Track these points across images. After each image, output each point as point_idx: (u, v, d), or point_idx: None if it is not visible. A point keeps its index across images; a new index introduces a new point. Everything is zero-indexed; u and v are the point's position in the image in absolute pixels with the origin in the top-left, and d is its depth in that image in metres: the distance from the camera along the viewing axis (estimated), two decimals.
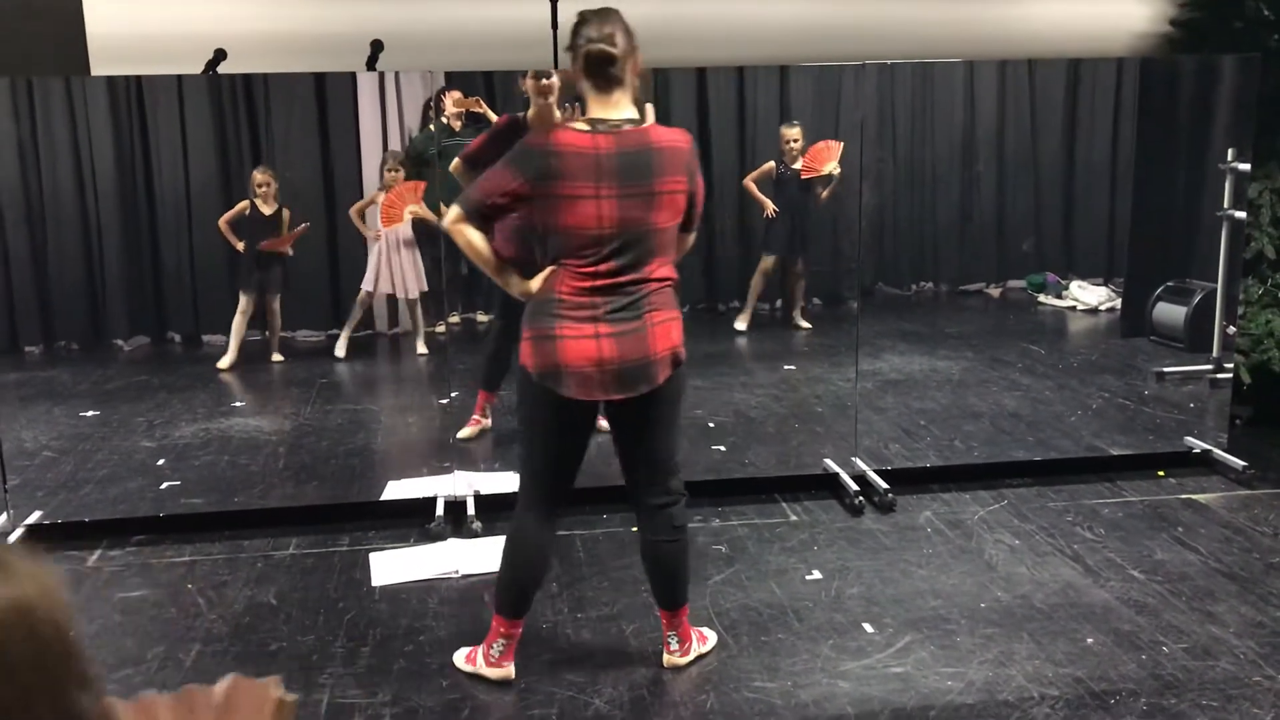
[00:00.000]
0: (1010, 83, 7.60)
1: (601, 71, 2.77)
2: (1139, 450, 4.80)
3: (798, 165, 6.51)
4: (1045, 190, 7.77)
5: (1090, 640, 3.28)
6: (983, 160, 7.68)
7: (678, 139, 2.85)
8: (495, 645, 3.07)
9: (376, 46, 5.03)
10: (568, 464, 2.99)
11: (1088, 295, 7.27)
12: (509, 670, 3.08)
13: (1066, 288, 7.41)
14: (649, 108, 2.99)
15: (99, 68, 4.12)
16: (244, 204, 6.20)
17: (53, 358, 6.71)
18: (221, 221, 6.23)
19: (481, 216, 2.82)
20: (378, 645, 3.32)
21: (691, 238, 3.04)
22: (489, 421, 5.04)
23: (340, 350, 6.40)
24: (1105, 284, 7.41)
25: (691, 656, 3.16)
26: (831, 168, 6.49)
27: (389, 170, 6.11)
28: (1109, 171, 7.63)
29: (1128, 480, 4.56)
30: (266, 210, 6.14)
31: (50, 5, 3.95)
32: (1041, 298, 7.47)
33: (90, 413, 5.55)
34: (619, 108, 2.81)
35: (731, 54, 6.21)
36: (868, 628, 3.37)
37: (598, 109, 2.81)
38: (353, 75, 6.37)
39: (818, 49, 5.83)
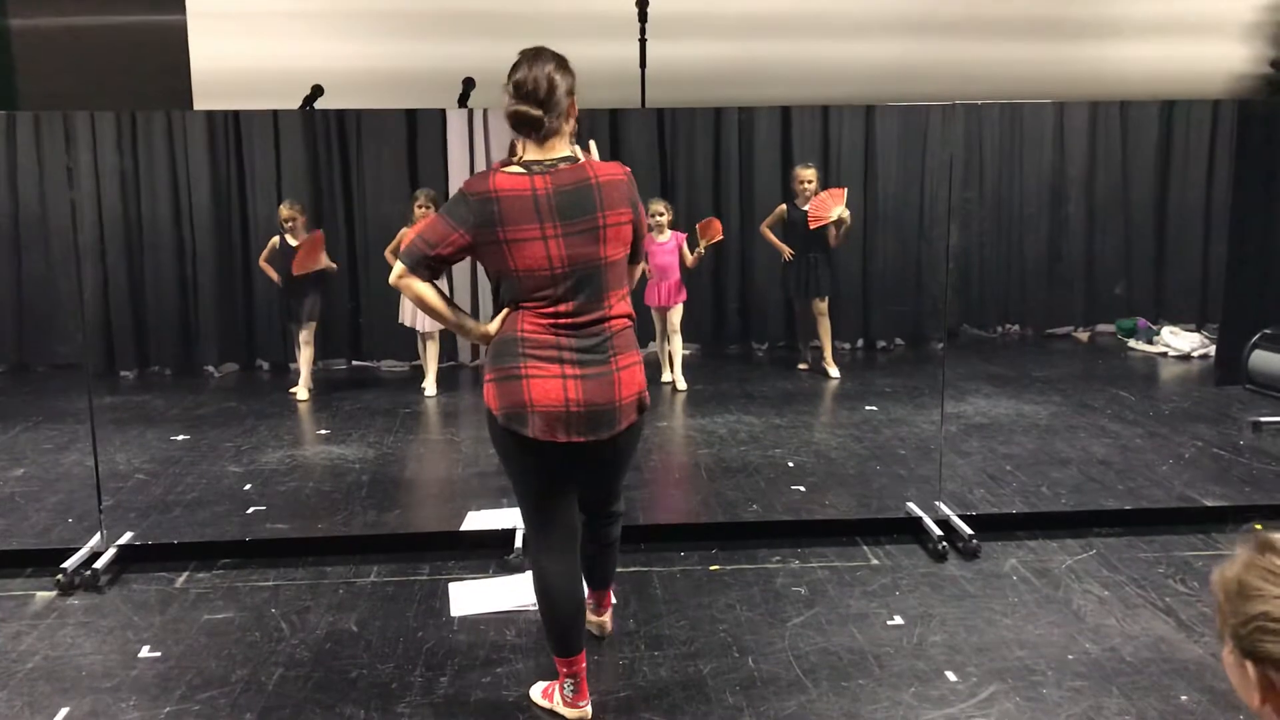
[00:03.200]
0: (1101, 124, 7.50)
1: (529, 131, 2.77)
2: (1234, 502, 4.64)
3: (808, 206, 6.50)
4: (1136, 233, 7.64)
5: (1184, 698, 3.17)
6: (1072, 202, 7.57)
7: (615, 172, 2.85)
8: (566, 685, 3.06)
9: (468, 84, 5.12)
10: (560, 496, 2.96)
11: (1180, 341, 7.10)
12: (586, 710, 3.06)
13: (1158, 333, 7.25)
14: (592, 145, 2.99)
15: (201, 102, 4.24)
16: (274, 240, 6.36)
17: (146, 383, 6.91)
18: (261, 261, 6.41)
19: (427, 268, 2.81)
20: (455, 676, 3.33)
21: (640, 269, 3.08)
22: None
23: (430, 389, 6.50)
24: (1198, 330, 7.24)
25: (605, 619, 3.50)
26: (839, 213, 6.46)
27: (419, 206, 6.21)
28: (1203, 215, 7.48)
29: (1222, 532, 4.41)
30: (294, 242, 6.28)
31: (157, 40, 4.09)
32: (1131, 343, 7.32)
33: (181, 437, 5.70)
34: (555, 150, 2.80)
35: (816, 93, 6.22)
36: (951, 676, 3.30)
37: (533, 152, 2.81)
38: (442, 112, 6.50)
39: (904, 89, 5.81)
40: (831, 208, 6.46)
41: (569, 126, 2.83)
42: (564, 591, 2.98)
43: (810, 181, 6.54)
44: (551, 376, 2.78)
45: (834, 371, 6.75)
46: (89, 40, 4.00)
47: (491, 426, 2.92)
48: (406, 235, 6.24)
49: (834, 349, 6.89)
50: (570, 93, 2.80)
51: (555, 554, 2.97)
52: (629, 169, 2.91)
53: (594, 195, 2.78)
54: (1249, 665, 1.26)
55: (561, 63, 2.80)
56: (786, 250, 6.65)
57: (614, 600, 3.60)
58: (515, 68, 2.79)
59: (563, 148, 2.82)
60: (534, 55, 2.80)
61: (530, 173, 2.77)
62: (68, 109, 4.31)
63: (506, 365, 2.81)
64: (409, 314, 6.41)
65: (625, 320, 2.89)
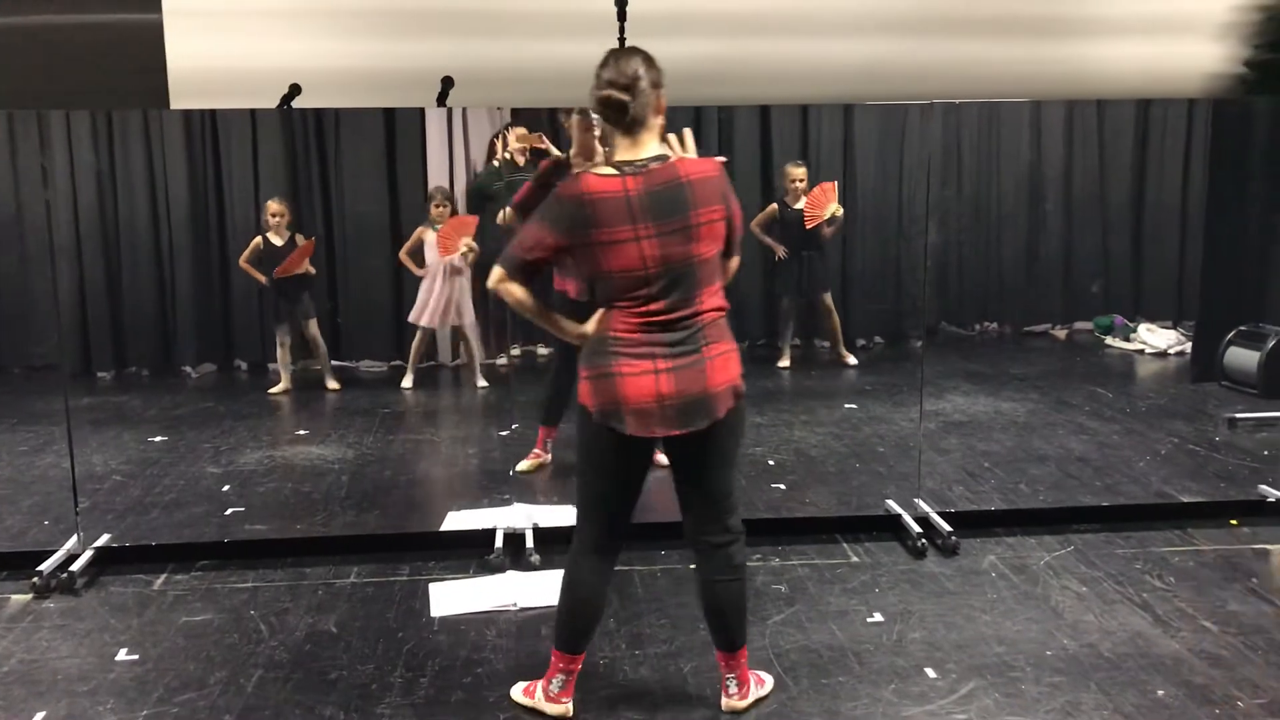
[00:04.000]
0: (1078, 123, 7.53)
1: (617, 117, 2.79)
2: (1211, 498, 4.68)
3: (799, 205, 6.51)
4: (1113, 231, 7.67)
5: (1161, 692, 3.19)
6: (1050, 200, 7.61)
7: (707, 169, 2.85)
8: (555, 680, 3.06)
9: (447, 83, 5.12)
10: (624, 502, 2.98)
11: (1156, 338, 7.14)
12: (567, 707, 3.06)
13: (1134, 330, 7.29)
14: (687, 134, 2.99)
15: (178, 101, 4.22)
16: (257, 240, 6.31)
17: (123, 383, 6.85)
18: (241, 261, 6.35)
19: (524, 273, 2.84)
20: (436, 676, 3.33)
21: (735, 262, 3.03)
22: (549, 456, 5.08)
23: (407, 382, 6.48)
24: (1174, 327, 7.28)
25: (750, 700, 3.12)
26: (833, 209, 6.48)
27: (436, 206, 6.20)
28: (1179, 213, 7.52)
29: (1199, 528, 4.45)
30: (278, 241, 6.24)
31: (133, 39, 4.07)
32: (1109, 340, 7.36)
33: (158, 438, 5.66)
34: (645, 147, 2.82)
35: (795, 92, 6.23)
36: (930, 673, 3.31)
37: (624, 150, 2.83)
38: (421, 111, 6.47)
39: (882, 88, 5.84)
40: (826, 204, 6.47)
41: (658, 121, 2.85)
42: (590, 590, 3.00)
43: (801, 180, 6.55)
44: (643, 373, 2.80)
45: (852, 360, 6.75)
46: (64, 39, 3.97)
47: (583, 423, 2.93)
48: (426, 234, 6.23)
49: (815, 347, 6.90)
50: (656, 85, 2.82)
51: (595, 555, 2.99)
52: (722, 161, 2.91)
53: (686, 194, 2.78)
54: None
55: (648, 58, 2.84)
56: (780, 249, 6.67)
57: (753, 679, 3.14)
58: (601, 65, 2.82)
59: (652, 144, 2.83)
60: (622, 50, 2.85)
61: (622, 174, 2.78)
62: (43, 108, 4.28)
63: (600, 364, 2.84)
64: (428, 314, 6.33)
65: (717, 312, 2.89)
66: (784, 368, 6.98)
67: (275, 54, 4.22)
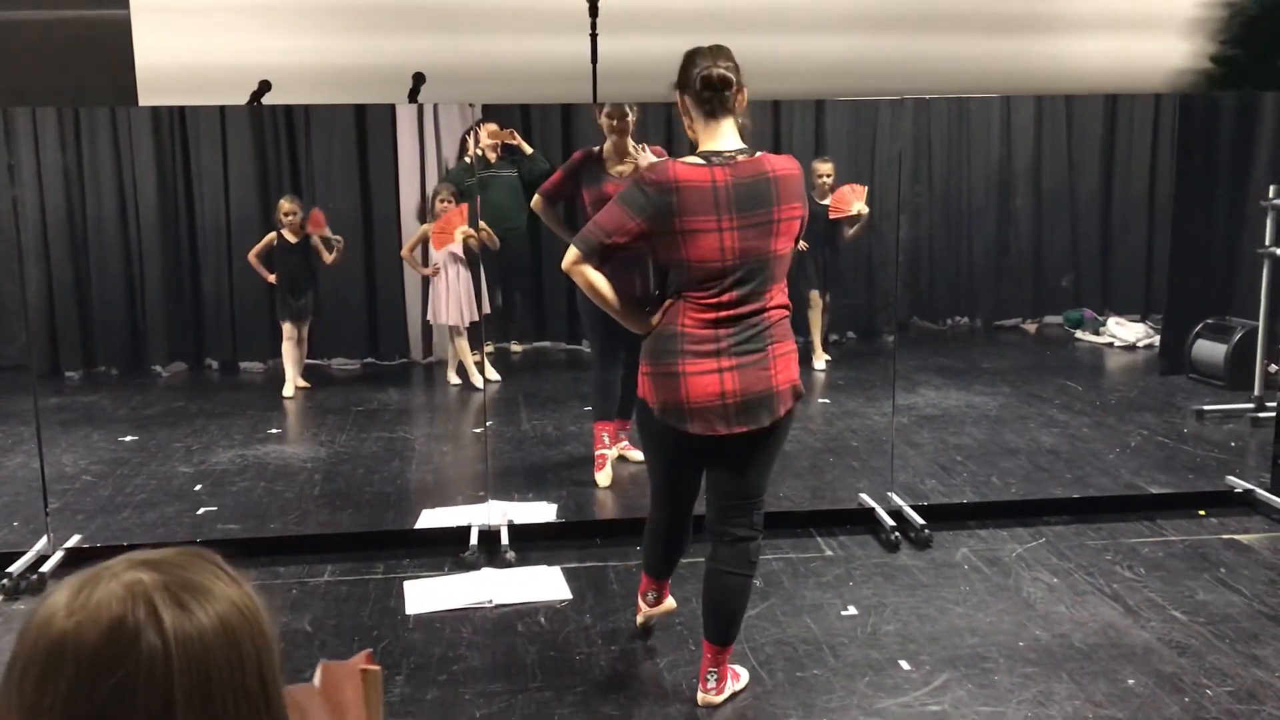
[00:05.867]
0: (1047, 118, 7.60)
1: (718, 96, 2.80)
2: (1179, 489, 4.73)
3: (826, 201, 6.52)
4: (1082, 226, 7.74)
5: (1131, 681, 3.23)
6: (1020, 195, 7.66)
7: (791, 167, 2.88)
8: (649, 595, 3.39)
9: (418, 79, 5.09)
10: (688, 491, 3.10)
11: (1125, 332, 7.21)
12: (670, 601, 3.43)
13: (1104, 324, 7.36)
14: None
15: (146, 98, 4.18)
16: (271, 236, 6.27)
17: (93, 383, 6.79)
18: (251, 256, 6.30)
19: (600, 256, 2.83)
20: (412, 674, 3.32)
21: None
22: (613, 452, 4.81)
23: (453, 378, 6.39)
24: (1143, 320, 7.36)
25: (726, 694, 3.13)
26: (859, 207, 6.50)
27: (441, 201, 6.16)
28: (1147, 207, 7.59)
29: (1168, 519, 4.49)
30: (293, 239, 6.21)
31: (99, 35, 4.02)
32: (1078, 334, 7.43)
33: (129, 438, 5.61)
34: (728, 138, 2.84)
35: (767, 87, 6.22)
36: (904, 665, 3.34)
37: (707, 140, 2.84)
38: (392, 107, 6.45)
39: (854, 83, 5.84)
40: (852, 201, 6.48)
41: (742, 116, 2.88)
42: (677, 533, 3.18)
43: (829, 175, 6.54)
44: (708, 372, 2.81)
45: (825, 359, 6.69)
46: (29, 35, 3.93)
47: (644, 418, 2.96)
48: (428, 230, 6.20)
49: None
50: (743, 86, 2.86)
51: (676, 510, 3.15)
52: (799, 163, 2.94)
53: (772, 189, 2.81)
54: None
55: (734, 58, 2.88)
56: (801, 242, 6.66)
57: (729, 673, 3.13)
58: (695, 55, 2.85)
59: (734, 137, 2.85)
60: (715, 47, 2.88)
61: (710, 164, 2.79)
62: (8, 105, 4.23)
63: (665, 362, 2.85)
64: (447, 311, 6.28)
65: (783, 311, 2.92)
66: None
67: (245, 50, 4.19)
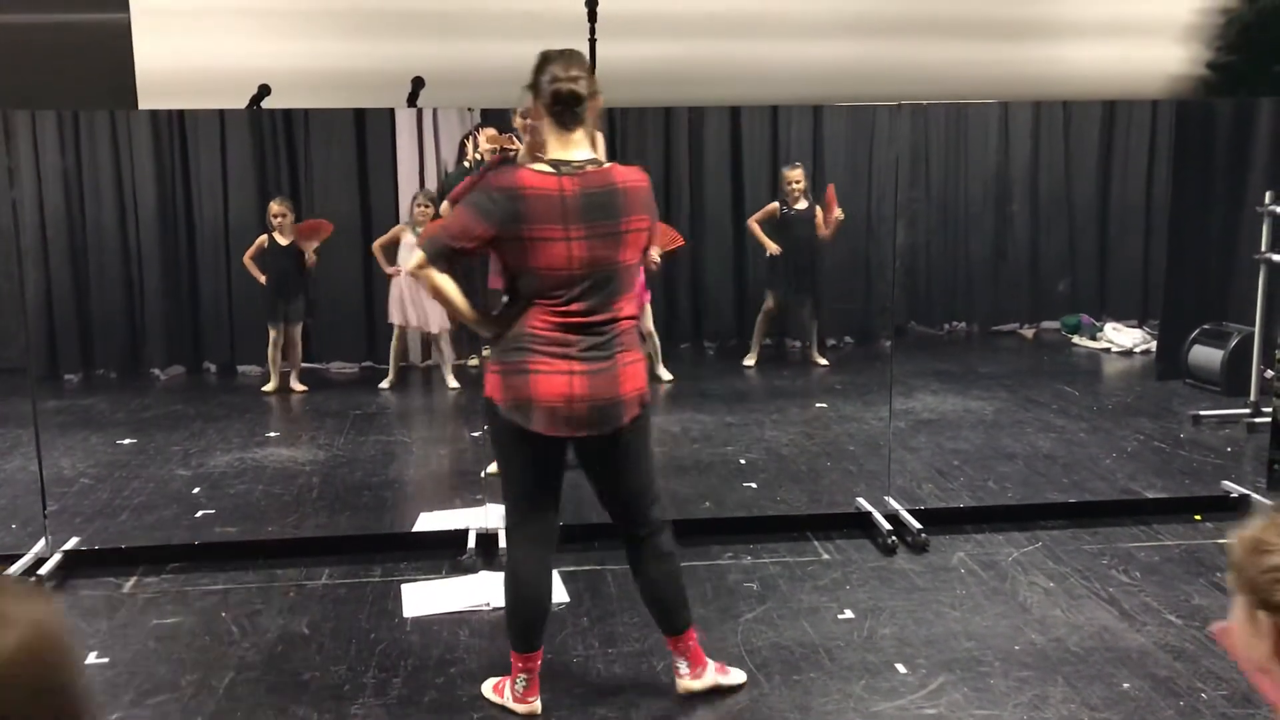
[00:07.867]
0: (1045, 124, 7.60)
1: (568, 111, 2.80)
2: (1175, 494, 4.74)
3: (801, 205, 6.53)
4: (1080, 231, 7.75)
5: (1126, 685, 3.24)
6: (1017, 201, 7.67)
7: (639, 178, 2.90)
8: (518, 681, 3.07)
9: (417, 83, 5.11)
10: (546, 495, 3.00)
11: (1122, 337, 7.22)
12: (535, 706, 3.07)
13: (1101, 329, 7.37)
14: (599, 137, 3.02)
15: (146, 101, 4.19)
16: (262, 238, 6.28)
17: (91, 386, 6.79)
18: (246, 258, 6.32)
19: (448, 260, 2.83)
20: (409, 676, 3.33)
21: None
22: None
23: (386, 384, 6.45)
24: (1140, 326, 7.36)
25: (706, 681, 3.14)
26: (837, 211, 6.52)
27: (419, 206, 6.19)
28: (1144, 213, 7.60)
29: (1164, 524, 4.51)
30: (283, 241, 6.22)
31: (100, 39, 4.04)
32: (1075, 339, 7.43)
33: (127, 441, 5.62)
34: (579, 147, 2.84)
35: (765, 93, 6.25)
36: (900, 668, 3.34)
37: (557, 148, 2.83)
38: (391, 111, 6.45)
39: (851, 89, 5.88)
40: (835, 208, 6.50)
41: (593, 129, 2.88)
42: (533, 585, 3.01)
43: (799, 181, 6.55)
44: (558, 373, 2.81)
45: (823, 361, 6.73)
46: (30, 39, 3.94)
47: (491, 417, 2.93)
48: (403, 232, 6.21)
49: (786, 347, 6.93)
50: (597, 93, 2.86)
51: (531, 546, 3.00)
52: (647, 174, 2.94)
53: (619, 201, 2.82)
54: (1262, 615, 1.33)
55: (587, 64, 2.89)
56: (774, 247, 6.67)
57: (709, 660, 3.18)
58: (546, 62, 2.84)
59: (585, 146, 2.85)
60: (566, 52, 2.87)
61: (559, 173, 2.79)
62: (8, 108, 4.24)
63: (513, 360, 2.85)
64: (410, 315, 6.33)
65: (631, 320, 2.93)
66: (748, 366, 7.01)
67: (244, 54, 4.21)
